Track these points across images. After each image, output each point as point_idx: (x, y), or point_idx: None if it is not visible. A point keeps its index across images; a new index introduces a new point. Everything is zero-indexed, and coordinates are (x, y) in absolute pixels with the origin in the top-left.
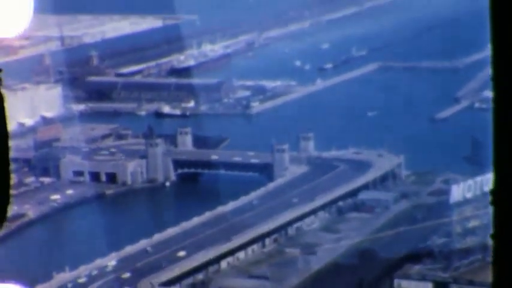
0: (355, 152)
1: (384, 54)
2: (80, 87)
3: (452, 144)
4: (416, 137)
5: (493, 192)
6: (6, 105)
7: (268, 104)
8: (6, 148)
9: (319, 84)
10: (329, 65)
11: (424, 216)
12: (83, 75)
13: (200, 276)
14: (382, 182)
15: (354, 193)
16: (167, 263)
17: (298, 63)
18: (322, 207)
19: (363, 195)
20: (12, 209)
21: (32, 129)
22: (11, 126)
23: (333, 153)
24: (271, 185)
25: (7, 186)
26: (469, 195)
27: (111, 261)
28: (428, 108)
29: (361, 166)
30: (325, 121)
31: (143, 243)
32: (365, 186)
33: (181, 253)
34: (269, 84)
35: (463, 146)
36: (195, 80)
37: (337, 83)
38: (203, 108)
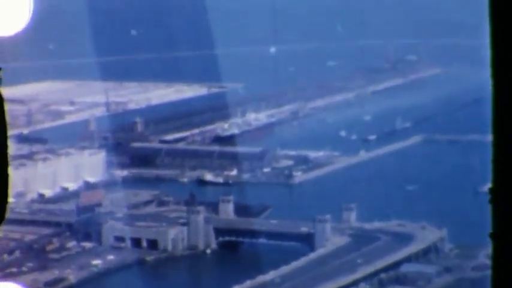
0: (398, 224)
1: (427, 126)
2: (123, 153)
3: None
4: (460, 210)
5: (492, 190)
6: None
7: (311, 174)
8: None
9: (363, 155)
10: (373, 137)
11: None
12: (127, 141)
13: None
14: (424, 255)
15: (396, 265)
16: None
17: (343, 133)
18: (364, 279)
19: (405, 268)
20: (53, 274)
21: (75, 194)
22: (55, 190)
23: (375, 224)
24: (312, 255)
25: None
26: None
27: None
28: (472, 181)
29: (404, 238)
30: (368, 192)
31: None
32: (407, 259)
33: None
34: (312, 154)
35: None
36: (239, 148)
37: (381, 154)
38: (245, 176)
